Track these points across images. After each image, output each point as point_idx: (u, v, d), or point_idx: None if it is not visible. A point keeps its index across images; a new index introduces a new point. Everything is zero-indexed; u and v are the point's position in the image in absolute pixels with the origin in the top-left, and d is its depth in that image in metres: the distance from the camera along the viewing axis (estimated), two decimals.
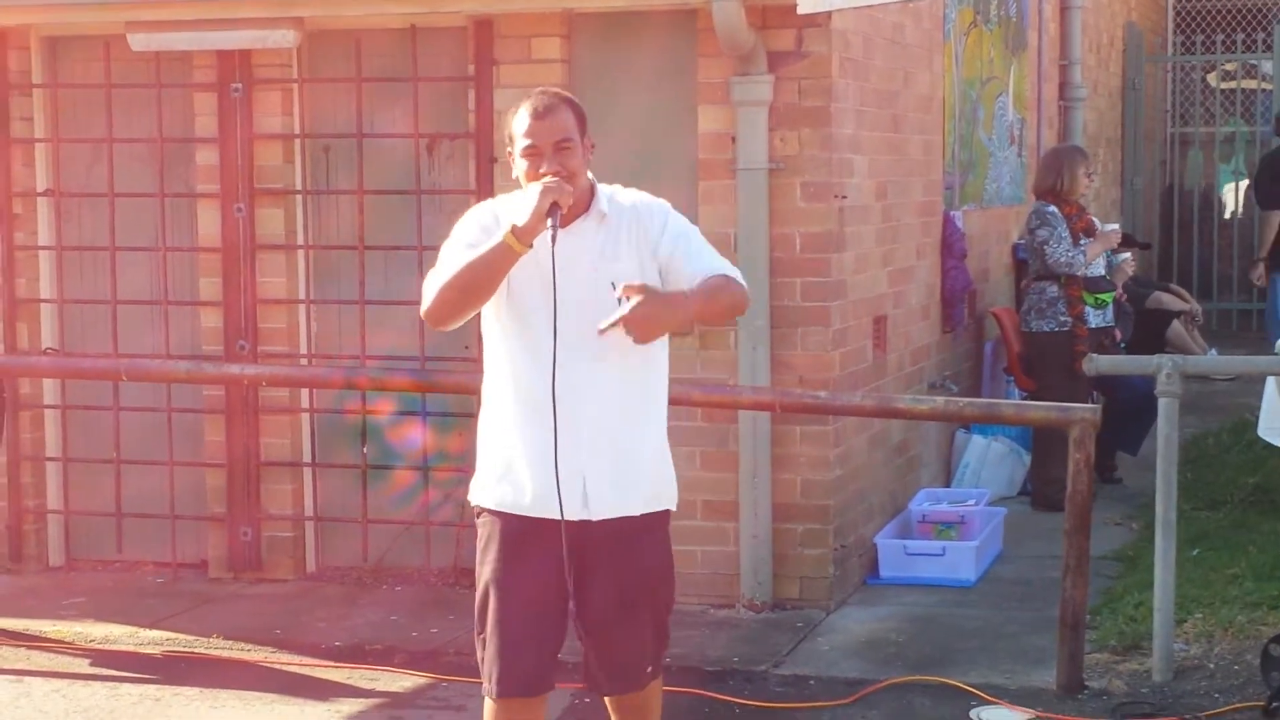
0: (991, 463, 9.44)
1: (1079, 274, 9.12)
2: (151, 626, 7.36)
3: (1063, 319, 9.14)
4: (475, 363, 7.59)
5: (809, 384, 7.31)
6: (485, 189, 7.64)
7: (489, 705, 4.67)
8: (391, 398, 7.75)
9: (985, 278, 10.16)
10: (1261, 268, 12.38)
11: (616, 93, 7.59)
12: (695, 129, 7.45)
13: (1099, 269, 9.29)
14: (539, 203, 4.49)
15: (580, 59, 7.62)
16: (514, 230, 4.49)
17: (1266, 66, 15.53)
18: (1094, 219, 9.45)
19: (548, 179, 4.55)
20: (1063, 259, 9.06)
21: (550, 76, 7.55)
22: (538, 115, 4.66)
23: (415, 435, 7.84)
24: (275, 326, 7.98)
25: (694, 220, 7.37)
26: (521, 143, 4.66)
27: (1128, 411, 9.27)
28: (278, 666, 6.84)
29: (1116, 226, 9.50)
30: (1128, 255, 9.93)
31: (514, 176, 4.75)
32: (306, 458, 8.07)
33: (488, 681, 4.64)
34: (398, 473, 7.88)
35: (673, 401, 7.02)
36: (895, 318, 8.30)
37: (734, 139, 7.33)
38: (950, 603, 7.57)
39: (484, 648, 4.66)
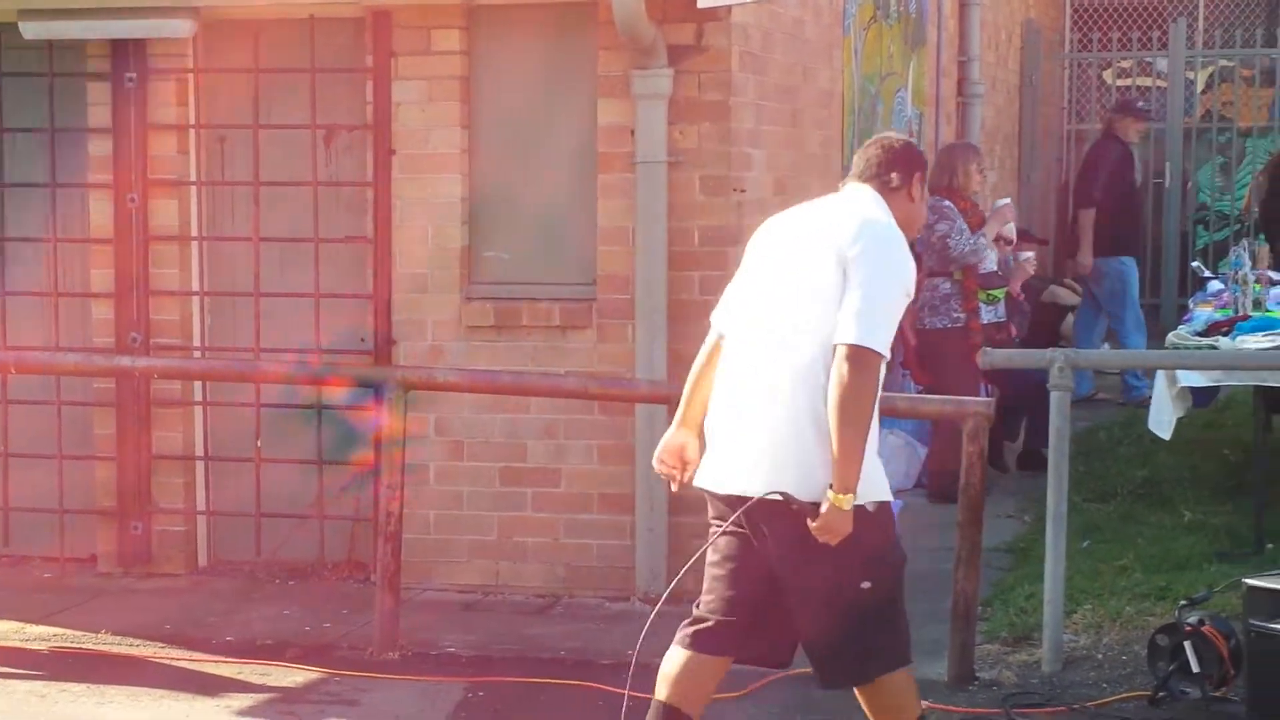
0: (888, 456, 9.43)
1: (982, 263, 9.19)
2: (39, 622, 7.27)
3: (956, 315, 9.21)
4: (371, 355, 7.58)
5: None
6: (383, 181, 7.60)
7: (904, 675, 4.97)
8: (291, 391, 7.69)
9: None
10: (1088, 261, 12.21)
11: (516, 85, 7.57)
12: (594, 122, 7.44)
13: (991, 264, 9.36)
14: None
15: (480, 51, 7.59)
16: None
17: (1161, 64, 15.70)
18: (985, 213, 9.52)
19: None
20: (966, 249, 9.13)
21: (449, 69, 7.54)
22: None
23: (312, 428, 7.78)
24: (168, 319, 7.90)
25: (593, 213, 7.45)
26: None
27: (1018, 403, 9.34)
28: (167, 662, 6.77)
29: (1007, 200, 9.54)
30: (1030, 255, 9.99)
31: None
32: (199, 451, 7.99)
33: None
34: (297, 466, 7.81)
35: (570, 394, 7.10)
36: None
37: (633, 132, 7.33)
38: None
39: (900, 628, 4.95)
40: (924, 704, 6.06)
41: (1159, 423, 8.12)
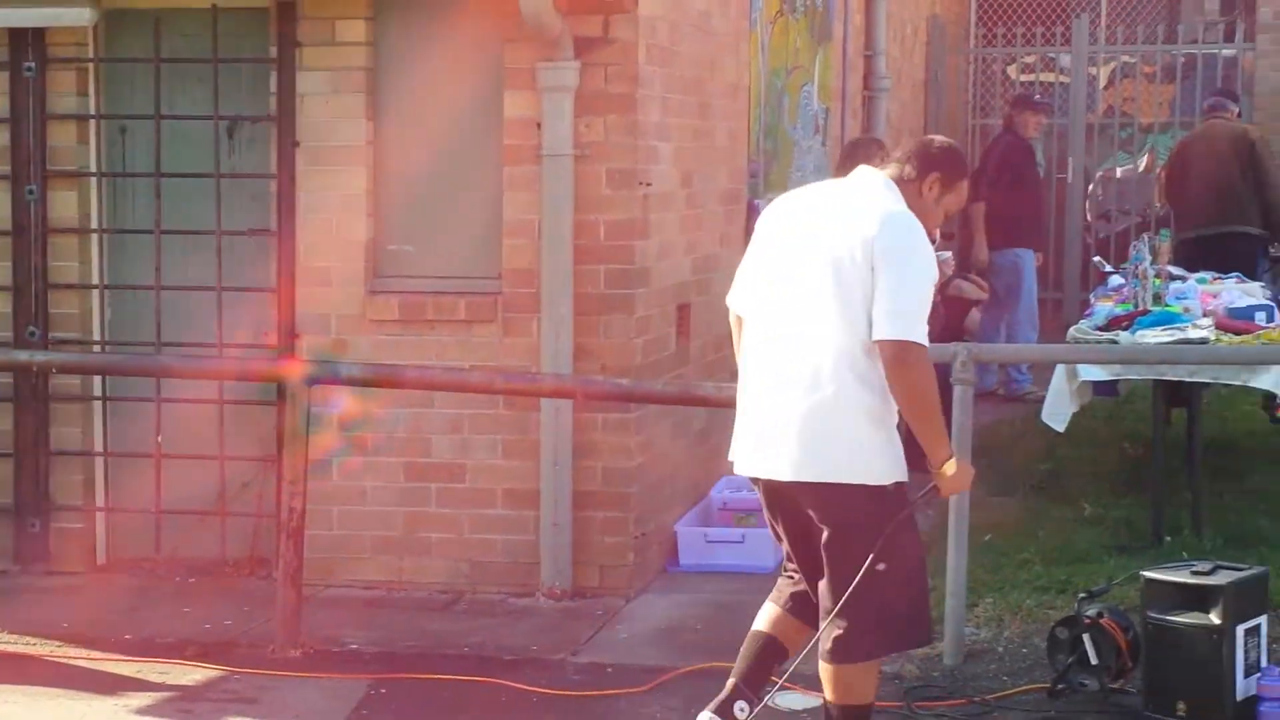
0: None
1: None
2: None
3: None
4: (273, 349, 7.52)
5: (612, 371, 7.31)
6: (287, 174, 7.55)
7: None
8: (191, 385, 7.61)
9: None
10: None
11: (422, 77, 7.54)
12: (501, 114, 7.41)
13: None
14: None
15: (385, 42, 7.55)
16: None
17: (1064, 60, 15.82)
18: None
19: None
20: None
21: (354, 59, 7.49)
22: None
23: (214, 424, 7.71)
24: (68, 312, 7.81)
25: (499, 206, 7.43)
26: None
27: None
28: (65, 661, 6.69)
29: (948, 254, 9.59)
30: (948, 255, 10.06)
31: None
32: (99, 447, 7.90)
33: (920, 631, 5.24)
34: (198, 462, 7.73)
35: (475, 389, 7.07)
36: (699, 305, 8.33)
37: (539, 125, 7.30)
38: (750, 590, 7.55)
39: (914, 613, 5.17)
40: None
41: (1054, 415, 8.20)
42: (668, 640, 6.90)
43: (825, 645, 5.15)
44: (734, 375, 8.88)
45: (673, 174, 7.88)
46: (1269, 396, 8.82)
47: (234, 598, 7.45)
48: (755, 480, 5.31)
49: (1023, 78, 16.52)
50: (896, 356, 4.93)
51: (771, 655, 5.44)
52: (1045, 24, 15.97)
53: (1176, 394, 8.45)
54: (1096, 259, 11.36)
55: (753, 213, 9.23)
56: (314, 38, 7.51)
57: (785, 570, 5.49)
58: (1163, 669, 5.79)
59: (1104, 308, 9.15)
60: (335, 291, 7.56)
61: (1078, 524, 8.37)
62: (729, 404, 7.64)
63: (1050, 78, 16.48)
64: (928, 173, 5.22)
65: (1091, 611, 6.14)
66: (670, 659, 6.63)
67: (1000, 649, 6.63)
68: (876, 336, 4.93)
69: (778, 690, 6.19)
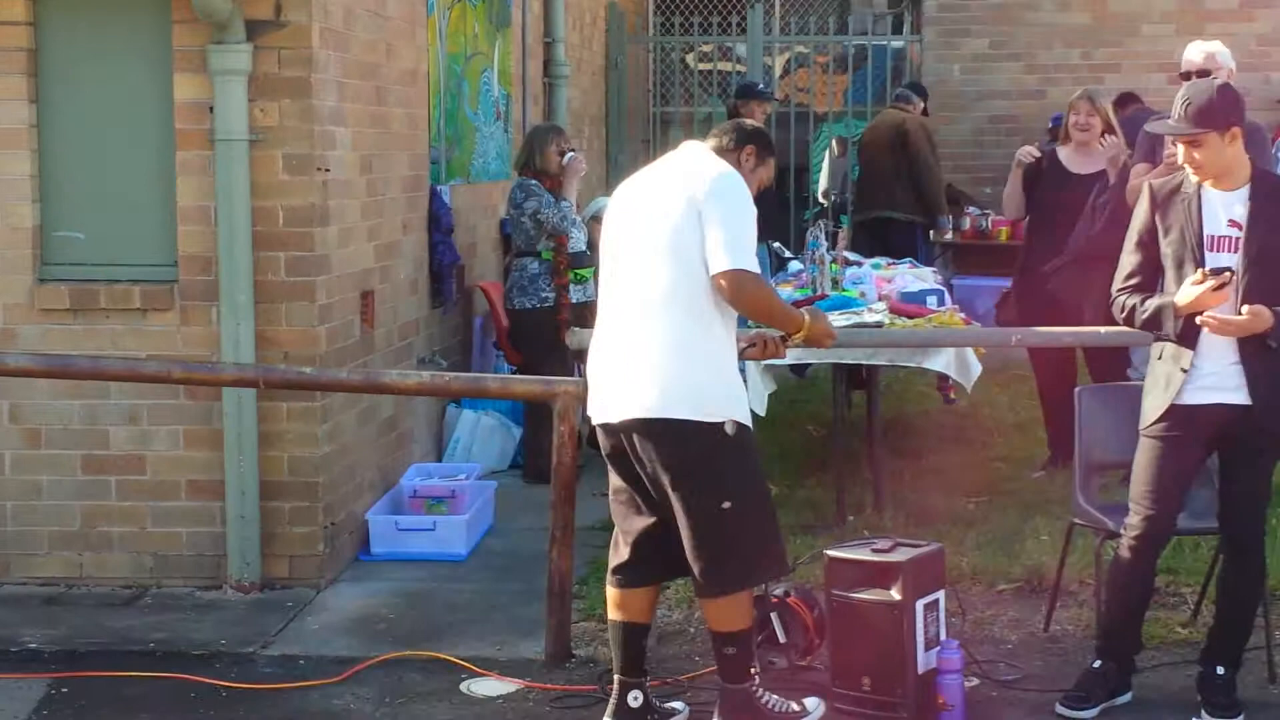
0: (482, 437, 9.49)
1: (570, 238, 9.23)
2: None
3: (544, 295, 9.25)
4: None
5: (295, 360, 7.18)
6: None
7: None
8: None
9: (473, 253, 10.19)
10: None
11: (88, 58, 7.29)
12: (171, 98, 7.20)
13: (580, 245, 9.43)
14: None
15: (49, 23, 7.27)
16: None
17: (740, 49, 16.08)
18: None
19: None
20: (554, 217, 9.16)
21: (14, 40, 7.22)
22: None
23: None
24: None
25: (172, 192, 7.22)
26: None
27: None
28: None
29: (574, 153, 9.55)
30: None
31: None
32: None
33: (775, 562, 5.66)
34: None
35: (150, 379, 6.87)
36: (383, 292, 8.24)
37: (212, 109, 7.11)
38: (442, 577, 7.57)
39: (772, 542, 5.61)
40: (522, 683, 6.12)
41: (751, 398, 8.30)
42: (360, 630, 6.81)
43: (698, 581, 5.57)
44: (419, 363, 8.87)
45: (352, 160, 7.77)
46: (942, 378, 9.09)
47: None
48: (603, 428, 5.65)
49: (701, 66, 16.74)
50: (736, 282, 5.37)
51: (635, 636, 5.77)
52: (721, 14, 16.20)
53: (857, 377, 8.65)
54: (776, 245, 11.56)
55: (435, 199, 9.18)
56: None
57: (615, 543, 5.82)
58: (847, 645, 5.89)
59: (784, 292, 9.30)
60: (0, 280, 7.27)
61: None
62: (415, 391, 7.62)
63: (727, 67, 16.75)
64: (743, 145, 5.75)
65: (779, 591, 6.24)
66: (363, 648, 6.55)
67: (691, 630, 6.69)
68: (715, 269, 5.37)
69: (475, 678, 6.19)
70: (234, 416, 7.19)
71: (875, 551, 5.90)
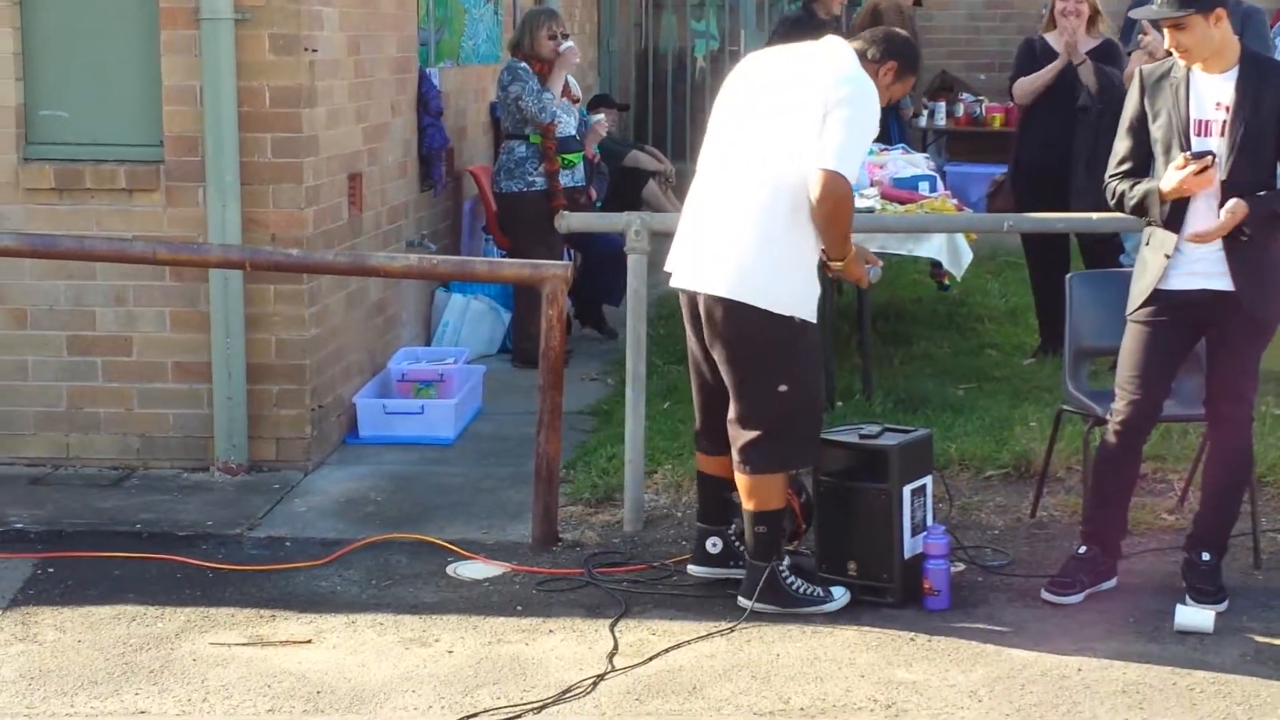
0: (471, 321, 9.46)
1: (557, 123, 9.17)
2: None
3: (530, 179, 9.19)
4: None
5: (282, 242, 7.13)
6: None
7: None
8: None
9: (463, 136, 10.11)
10: None
11: None
12: None
13: (569, 129, 9.36)
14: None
15: None
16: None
17: None
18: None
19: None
20: (534, 106, 9.09)
21: None
22: None
23: None
24: None
25: (156, 72, 7.15)
26: None
27: (606, 266, 9.41)
28: None
29: (570, 44, 9.47)
30: (601, 116, 10.06)
31: None
32: None
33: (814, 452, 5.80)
34: None
35: (136, 260, 6.83)
36: (371, 175, 8.17)
37: None
38: (429, 460, 7.56)
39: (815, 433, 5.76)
40: (508, 566, 6.13)
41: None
42: (347, 512, 6.82)
43: (736, 457, 5.67)
44: (408, 247, 8.82)
45: (339, 40, 7.67)
46: (934, 264, 9.06)
47: None
48: (681, 291, 5.78)
49: None
50: (832, 183, 5.42)
51: (715, 488, 5.98)
52: None
53: None
54: None
55: (424, 81, 9.10)
56: None
57: (694, 408, 6.02)
58: (834, 530, 5.90)
59: None
60: None
61: None
62: (403, 274, 7.59)
63: None
64: (887, 59, 5.76)
65: None
66: (350, 531, 6.55)
67: (679, 514, 6.70)
68: (820, 164, 5.42)
69: (461, 561, 6.20)
70: (220, 298, 7.15)
71: (863, 437, 5.90)
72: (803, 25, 10.49)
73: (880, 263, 5.92)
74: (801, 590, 5.72)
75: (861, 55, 5.71)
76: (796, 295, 5.58)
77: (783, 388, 5.58)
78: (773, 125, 5.59)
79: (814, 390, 5.73)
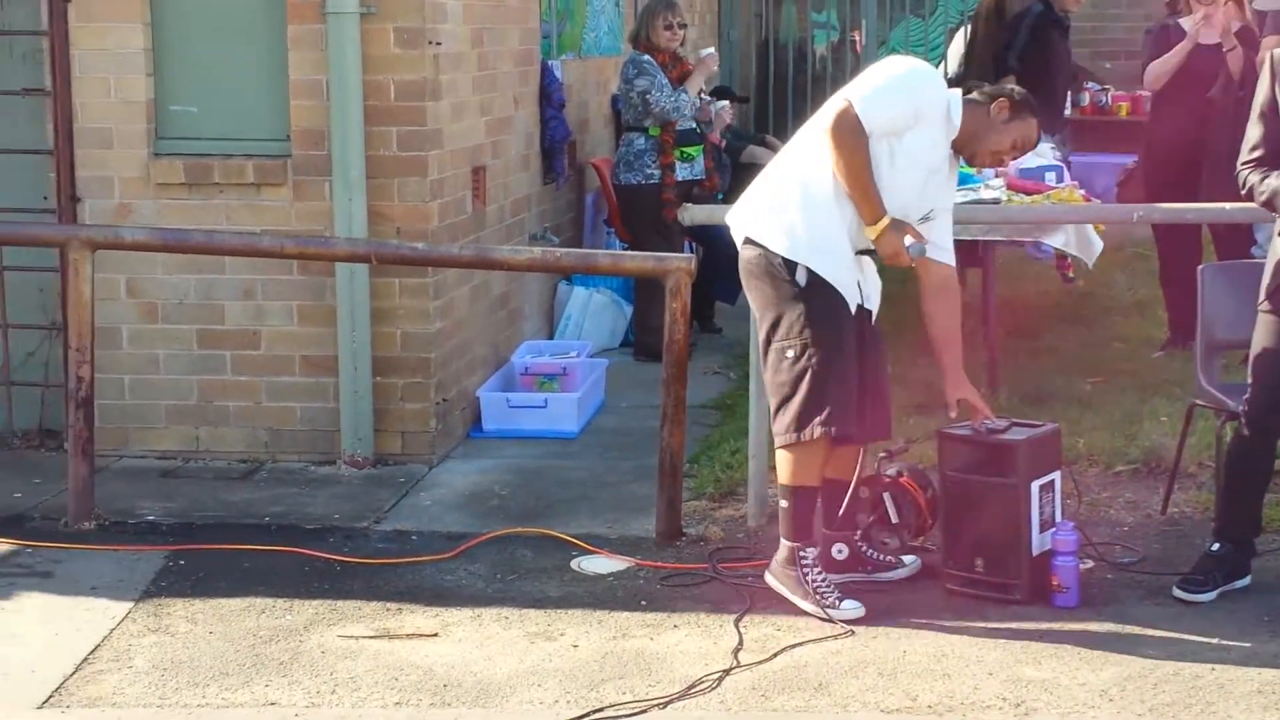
0: (593, 314, 9.47)
1: (682, 119, 9.16)
2: None
3: (649, 171, 9.18)
4: (53, 214, 7.26)
5: (407, 235, 7.17)
6: (59, 31, 7.25)
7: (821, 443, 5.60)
8: None
9: (585, 128, 10.12)
10: None
11: None
12: None
13: (688, 123, 9.34)
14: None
15: None
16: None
17: None
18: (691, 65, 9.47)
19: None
20: (667, 105, 9.08)
21: None
22: None
23: None
24: None
25: (283, 66, 7.20)
26: None
27: (724, 262, 9.37)
28: None
29: (711, 50, 9.50)
30: (725, 104, 10.03)
31: None
32: None
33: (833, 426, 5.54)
34: None
35: (265, 254, 6.89)
36: (494, 168, 8.20)
37: None
38: (553, 454, 7.58)
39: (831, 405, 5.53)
40: (632, 560, 6.12)
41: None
42: (472, 506, 6.84)
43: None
44: (531, 240, 8.85)
45: (463, 33, 7.70)
46: (1060, 257, 8.95)
47: (23, 470, 7.24)
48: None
49: None
50: (842, 115, 5.43)
51: (833, 493, 5.85)
52: None
53: (971, 255, 8.52)
54: None
55: (547, 74, 9.11)
56: None
57: None
58: (960, 526, 5.84)
59: None
60: (116, 154, 7.30)
61: None
62: (525, 268, 7.63)
63: None
64: (995, 97, 5.68)
65: (892, 470, 6.18)
66: (475, 525, 6.57)
67: None
68: (840, 96, 5.47)
69: (585, 555, 6.20)
70: (346, 292, 7.20)
71: (991, 431, 5.83)
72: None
73: (925, 240, 5.64)
74: (817, 583, 5.62)
75: (969, 98, 5.68)
76: (798, 239, 5.51)
77: (790, 353, 5.52)
78: (840, 94, 5.60)
79: (827, 355, 5.50)
